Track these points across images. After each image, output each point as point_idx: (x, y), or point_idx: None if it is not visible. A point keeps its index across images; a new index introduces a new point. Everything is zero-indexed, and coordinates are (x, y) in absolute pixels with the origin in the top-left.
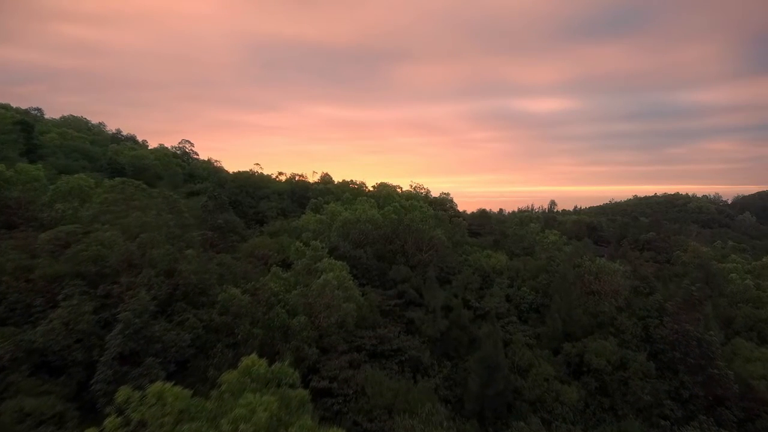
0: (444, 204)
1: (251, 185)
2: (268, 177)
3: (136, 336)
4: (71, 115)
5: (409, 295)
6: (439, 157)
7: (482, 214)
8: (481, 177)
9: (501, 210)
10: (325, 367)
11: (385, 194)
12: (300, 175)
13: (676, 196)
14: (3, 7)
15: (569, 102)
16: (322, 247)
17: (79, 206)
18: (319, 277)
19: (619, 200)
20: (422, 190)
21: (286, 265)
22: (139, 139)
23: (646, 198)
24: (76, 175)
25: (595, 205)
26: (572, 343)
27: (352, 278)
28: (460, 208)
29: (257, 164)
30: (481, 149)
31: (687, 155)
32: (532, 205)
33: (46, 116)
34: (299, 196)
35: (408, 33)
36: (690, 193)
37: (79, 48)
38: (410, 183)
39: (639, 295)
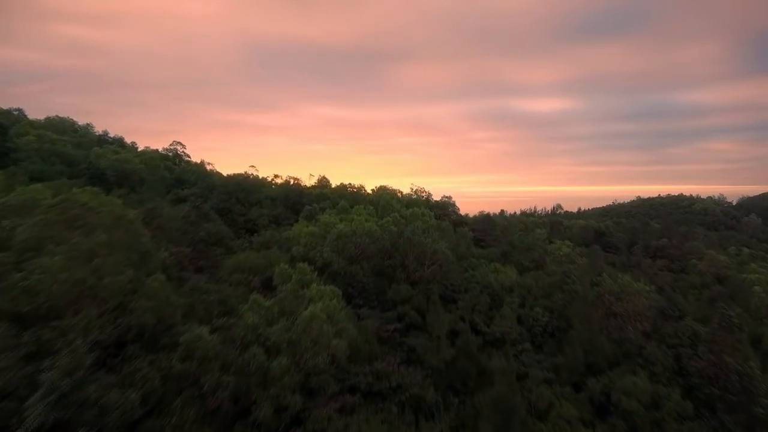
0: (446, 208)
1: (243, 190)
2: (263, 180)
3: (64, 402)
4: (57, 115)
5: (410, 318)
6: (439, 157)
7: (486, 219)
8: (482, 177)
9: (503, 211)
10: (311, 417)
11: (384, 203)
12: (295, 179)
13: (680, 198)
14: (3, 7)
15: (569, 102)
16: (312, 270)
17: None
18: (307, 307)
19: (622, 201)
20: (423, 193)
21: (272, 287)
22: (128, 140)
23: (650, 199)
24: (32, 186)
25: (598, 206)
26: (596, 378)
27: (345, 306)
28: (461, 209)
29: (252, 166)
30: (481, 149)
31: (687, 155)
32: (535, 207)
33: (30, 117)
34: (293, 202)
35: (408, 33)
36: (693, 194)
37: (79, 48)
38: (411, 186)
39: (667, 319)
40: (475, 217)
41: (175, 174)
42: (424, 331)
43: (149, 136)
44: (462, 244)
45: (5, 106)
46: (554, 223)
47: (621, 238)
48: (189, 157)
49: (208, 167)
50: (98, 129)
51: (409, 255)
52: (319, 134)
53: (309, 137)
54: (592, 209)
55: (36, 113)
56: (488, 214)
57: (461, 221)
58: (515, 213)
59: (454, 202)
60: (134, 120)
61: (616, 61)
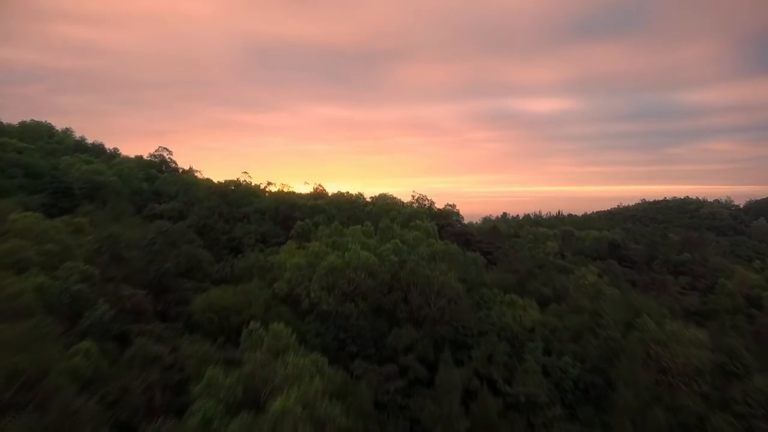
0: (449, 217)
1: (228, 203)
2: (254, 189)
3: None
4: (33, 119)
5: (414, 372)
6: (439, 157)
7: (493, 231)
8: (482, 177)
9: (505, 214)
10: None
11: (384, 226)
12: (289, 188)
13: (686, 201)
14: (3, 7)
15: (569, 102)
16: (290, 333)
17: None
18: (279, 393)
19: (627, 204)
20: (426, 201)
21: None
22: (125, 142)
23: (656, 202)
24: None
25: (603, 209)
26: None
27: (332, 372)
28: (461, 209)
29: (245, 172)
30: (481, 149)
31: (687, 155)
32: (539, 211)
33: (4, 122)
34: (284, 217)
35: (408, 33)
36: (699, 197)
37: (79, 48)
38: (412, 193)
39: (730, 377)
40: (478, 225)
41: (155, 185)
42: (431, 389)
43: (149, 136)
44: (472, 270)
45: (6, 106)
46: (565, 234)
47: (638, 251)
48: (176, 163)
49: (197, 174)
50: (84, 135)
51: (412, 289)
52: (319, 134)
53: (309, 137)
54: (597, 212)
55: (37, 113)
56: (495, 226)
57: (466, 232)
58: (518, 216)
59: (458, 210)
60: (137, 119)
61: (616, 61)
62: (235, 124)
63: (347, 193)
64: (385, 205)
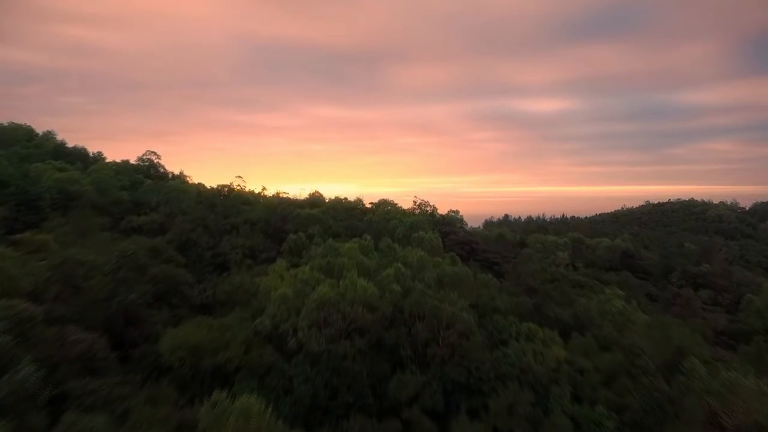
0: (453, 223)
1: (218, 212)
2: (247, 195)
3: None
4: (12, 122)
5: (420, 427)
6: (439, 157)
7: (500, 240)
8: (482, 177)
9: (507, 216)
10: None
11: (385, 247)
12: (284, 193)
13: (692, 203)
14: (3, 8)
15: (569, 102)
16: (263, 409)
17: None
18: None
19: (631, 206)
20: (428, 207)
21: (224, 377)
22: (93, 151)
23: (660, 204)
24: None
25: (606, 211)
26: None
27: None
28: (461, 209)
29: (239, 176)
30: (481, 149)
31: (687, 155)
32: (543, 214)
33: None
34: (276, 229)
35: (407, 33)
36: (704, 198)
37: (80, 49)
38: (414, 198)
39: None
40: (480, 230)
41: (137, 194)
42: None
43: (149, 136)
44: (484, 294)
45: (6, 106)
46: (576, 245)
47: (652, 261)
48: (164, 168)
49: (188, 180)
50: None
51: (417, 322)
52: (319, 134)
53: (308, 137)
54: (601, 214)
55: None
56: (501, 234)
57: (470, 241)
58: (519, 218)
59: (461, 217)
60: (134, 120)
61: (616, 61)
62: (235, 125)
63: (345, 199)
64: (385, 214)
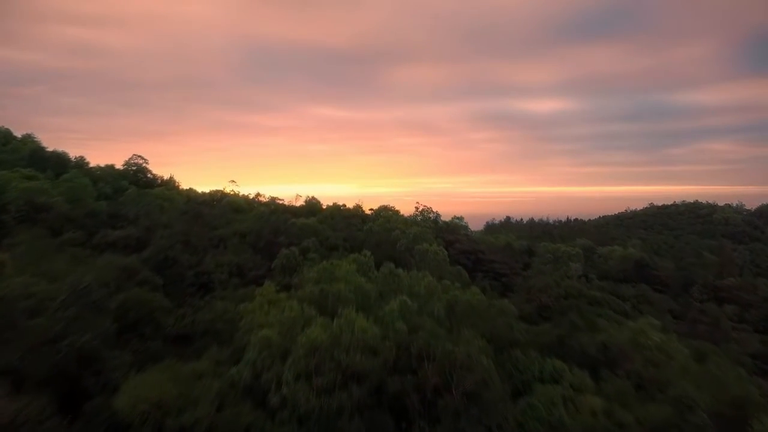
0: (458, 231)
1: (204, 223)
2: (239, 202)
3: None
4: None
5: None
6: (438, 157)
7: (508, 249)
8: (481, 177)
9: (508, 218)
10: None
11: (387, 272)
12: (280, 200)
13: (697, 205)
14: (4, 8)
15: (568, 103)
16: None
17: None
18: None
19: (635, 209)
20: (431, 213)
21: None
22: (74, 155)
23: (665, 207)
24: None
25: (609, 213)
26: None
27: None
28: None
29: (232, 181)
30: (480, 149)
31: (687, 155)
32: (547, 216)
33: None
34: (268, 242)
35: (407, 34)
36: (709, 201)
37: (80, 49)
38: (416, 204)
39: None
40: (481, 234)
41: (116, 204)
42: None
43: (149, 136)
44: (501, 325)
45: (6, 106)
46: (588, 253)
47: (668, 271)
48: (152, 173)
49: (178, 185)
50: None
51: (426, 366)
52: (319, 135)
53: (308, 138)
54: (604, 217)
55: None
56: (509, 243)
57: (476, 251)
58: (521, 220)
59: (466, 224)
60: (134, 120)
61: (616, 61)
62: (235, 125)
63: (344, 206)
64: (386, 222)
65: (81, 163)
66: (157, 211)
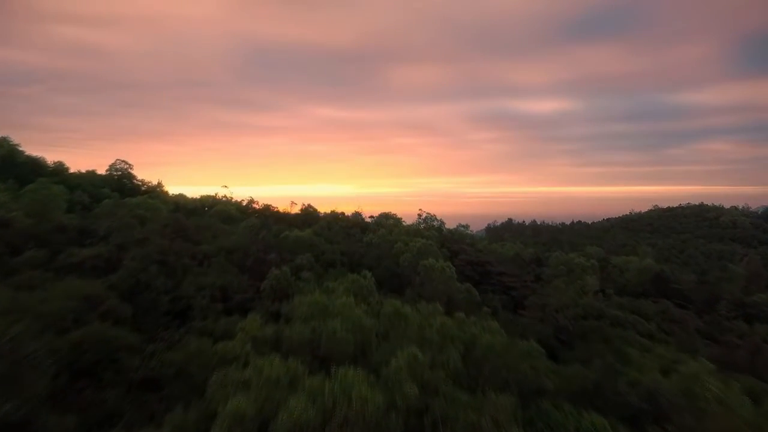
0: (463, 240)
1: (187, 237)
2: (230, 210)
3: None
4: None
5: None
6: (438, 157)
7: (516, 260)
8: (481, 178)
9: (510, 220)
10: None
11: (392, 311)
12: (275, 208)
13: (704, 208)
14: (3, 8)
15: (568, 103)
16: None
17: None
18: None
19: (639, 211)
20: (434, 221)
21: None
22: (52, 160)
23: (670, 209)
24: None
25: (613, 215)
26: None
27: None
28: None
29: (225, 186)
30: (480, 150)
31: (687, 156)
32: (551, 219)
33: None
34: (256, 260)
35: (407, 34)
36: (708, 200)
37: (80, 49)
38: (419, 211)
39: None
40: (497, 250)
41: (91, 217)
42: None
43: (149, 135)
44: (529, 373)
45: (6, 106)
46: (603, 263)
47: (692, 286)
48: (135, 179)
49: (161, 192)
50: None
51: None
52: (318, 135)
53: (308, 138)
54: (609, 220)
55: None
56: (518, 254)
57: (483, 262)
58: (524, 222)
59: (472, 231)
60: (134, 121)
61: (615, 62)
62: (235, 125)
63: (342, 214)
64: (387, 234)
65: (59, 170)
66: (134, 225)
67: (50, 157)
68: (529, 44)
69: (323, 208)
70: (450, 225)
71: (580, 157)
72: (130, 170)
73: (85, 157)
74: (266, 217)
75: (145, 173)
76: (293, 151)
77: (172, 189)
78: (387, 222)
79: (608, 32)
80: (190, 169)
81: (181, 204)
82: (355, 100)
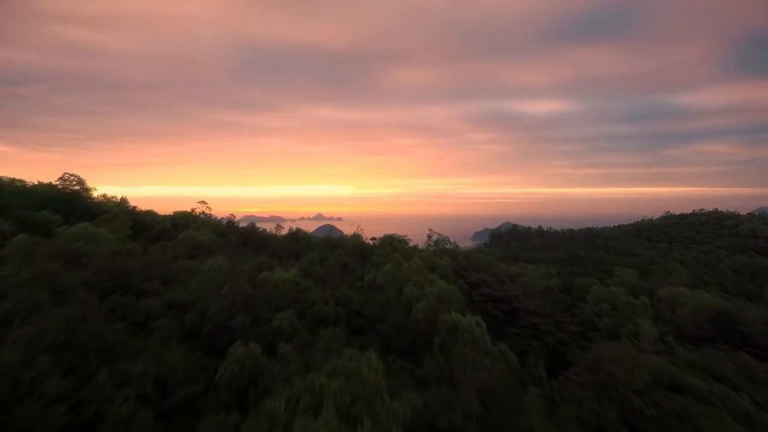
0: (482, 266)
1: (126, 286)
2: (199, 239)
3: None
4: None
5: None
6: (437, 158)
7: (548, 295)
8: (480, 178)
9: (515, 227)
10: None
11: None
12: (262, 229)
13: (719, 215)
14: (3, 9)
15: (567, 104)
16: None
17: None
18: None
19: (651, 217)
20: (447, 243)
21: None
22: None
23: (684, 216)
24: None
25: (625, 222)
26: None
27: None
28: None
29: (202, 202)
30: (479, 150)
31: (685, 157)
32: (560, 227)
33: None
34: (216, 327)
35: (406, 35)
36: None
37: (79, 49)
38: (428, 233)
39: None
40: (526, 280)
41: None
42: None
43: (148, 136)
44: None
45: (6, 106)
46: (657, 306)
47: (756, 324)
48: (91, 197)
49: (124, 207)
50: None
51: None
52: (318, 135)
53: (307, 138)
54: (620, 226)
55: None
56: (550, 288)
57: (508, 298)
58: (530, 228)
59: (492, 259)
60: (134, 121)
61: (614, 64)
62: (234, 125)
63: (341, 237)
64: (394, 271)
65: (10, 185)
66: (58, 271)
67: (48, 157)
68: (528, 46)
69: (323, 209)
70: (450, 225)
71: (579, 158)
72: (80, 187)
73: (84, 157)
74: (246, 246)
75: (144, 173)
76: (292, 151)
77: (168, 190)
78: (392, 254)
79: (608, 34)
80: (188, 168)
81: (147, 224)
82: (354, 100)
